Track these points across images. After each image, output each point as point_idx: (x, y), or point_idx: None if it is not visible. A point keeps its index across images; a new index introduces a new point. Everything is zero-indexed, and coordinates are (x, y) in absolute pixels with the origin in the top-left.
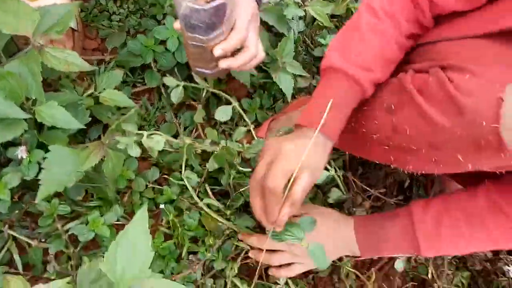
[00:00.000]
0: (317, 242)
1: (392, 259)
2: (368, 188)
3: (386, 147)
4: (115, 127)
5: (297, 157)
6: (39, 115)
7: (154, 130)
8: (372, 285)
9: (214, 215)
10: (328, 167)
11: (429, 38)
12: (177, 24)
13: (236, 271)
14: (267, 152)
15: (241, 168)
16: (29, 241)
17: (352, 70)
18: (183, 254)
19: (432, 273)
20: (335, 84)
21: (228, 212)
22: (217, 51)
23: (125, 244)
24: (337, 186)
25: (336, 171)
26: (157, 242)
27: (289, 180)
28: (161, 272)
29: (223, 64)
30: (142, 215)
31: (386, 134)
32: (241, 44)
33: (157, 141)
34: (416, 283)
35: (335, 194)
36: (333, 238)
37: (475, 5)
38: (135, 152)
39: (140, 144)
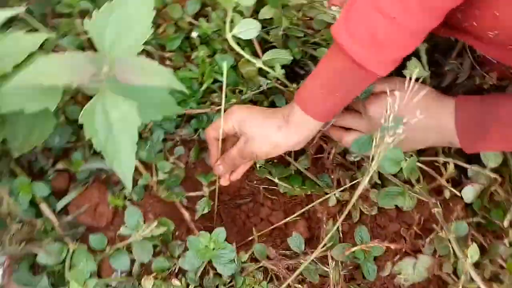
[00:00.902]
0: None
1: (460, 184)
2: (493, 60)
3: None
4: None
5: (236, 123)
6: None
7: None
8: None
9: (257, 64)
10: None
11: None
12: None
13: None
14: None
15: (298, 17)
16: None
17: (353, 48)
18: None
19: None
20: (333, 60)
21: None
22: None
23: (121, 12)
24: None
25: None
26: (180, 75)
27: (224, 140)
28: (183, 101)
29: None
30: None
31: None
32: None
33: None
34: (483, 221)
35: (412, 66)
36: (426, 123)
37: None
38: None
39: None
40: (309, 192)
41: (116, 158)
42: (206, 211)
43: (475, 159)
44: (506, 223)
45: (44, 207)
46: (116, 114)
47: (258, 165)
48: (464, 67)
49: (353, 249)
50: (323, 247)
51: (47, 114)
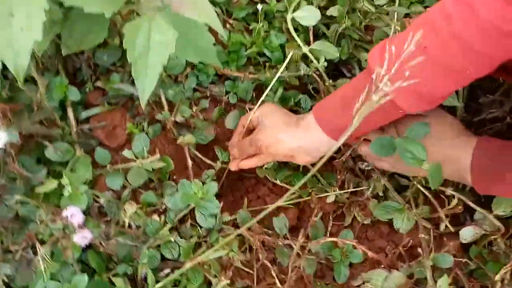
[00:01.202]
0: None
1: (464, 225)
2: None
3: None
4: None
5: (264, 122)
6: None
7: None
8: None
9: (304, 49)
10: None
11: None
12: None
13: None
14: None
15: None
16: None
17: (378, 69)
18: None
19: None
20: (361, 80)
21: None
22: None
23: None
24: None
25: None
26: (233, 37)
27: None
28: (225, 62)
29: None
30: None
31: None
32: None
33: None
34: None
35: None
36: (445, 155)
37: None
38: None
39: None
40: (310, 190)
41: (141, 74)
42: (209, 181)
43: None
44: (498, 277)
45: (70, 111)
46: (158, 37)
47: (265, 167)
48: (504, 107)
49: (329, 239)
50: (305, 236)
51: (103, 22)
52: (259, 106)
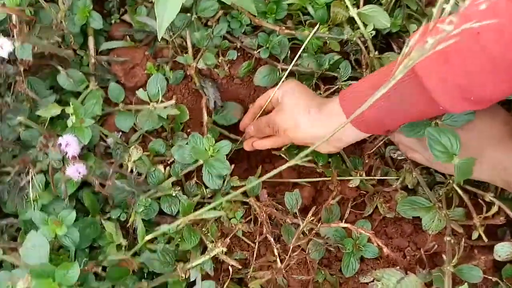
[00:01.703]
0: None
1: (494, 234)
2: None
3: None
4: None
5: (285, 103)
6: None
7: None
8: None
9: (352, 12)
10: None
11: None
12: None
13: None
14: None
15: None
16: None
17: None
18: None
19: None
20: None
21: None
22: None
23: None
24: None
25: None
26: None
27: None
28: (263, 13)
29: None
30: None
31: None
32: None
33: None
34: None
35: None
36: (492, 156)
37: None
38: None
39: None
40: (333, 170)
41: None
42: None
43: None
44: None
45: (90, 39)
46: None
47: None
48: None
49: (342, 224)
50: (317, 219)
51: None
52: (280, 86)
